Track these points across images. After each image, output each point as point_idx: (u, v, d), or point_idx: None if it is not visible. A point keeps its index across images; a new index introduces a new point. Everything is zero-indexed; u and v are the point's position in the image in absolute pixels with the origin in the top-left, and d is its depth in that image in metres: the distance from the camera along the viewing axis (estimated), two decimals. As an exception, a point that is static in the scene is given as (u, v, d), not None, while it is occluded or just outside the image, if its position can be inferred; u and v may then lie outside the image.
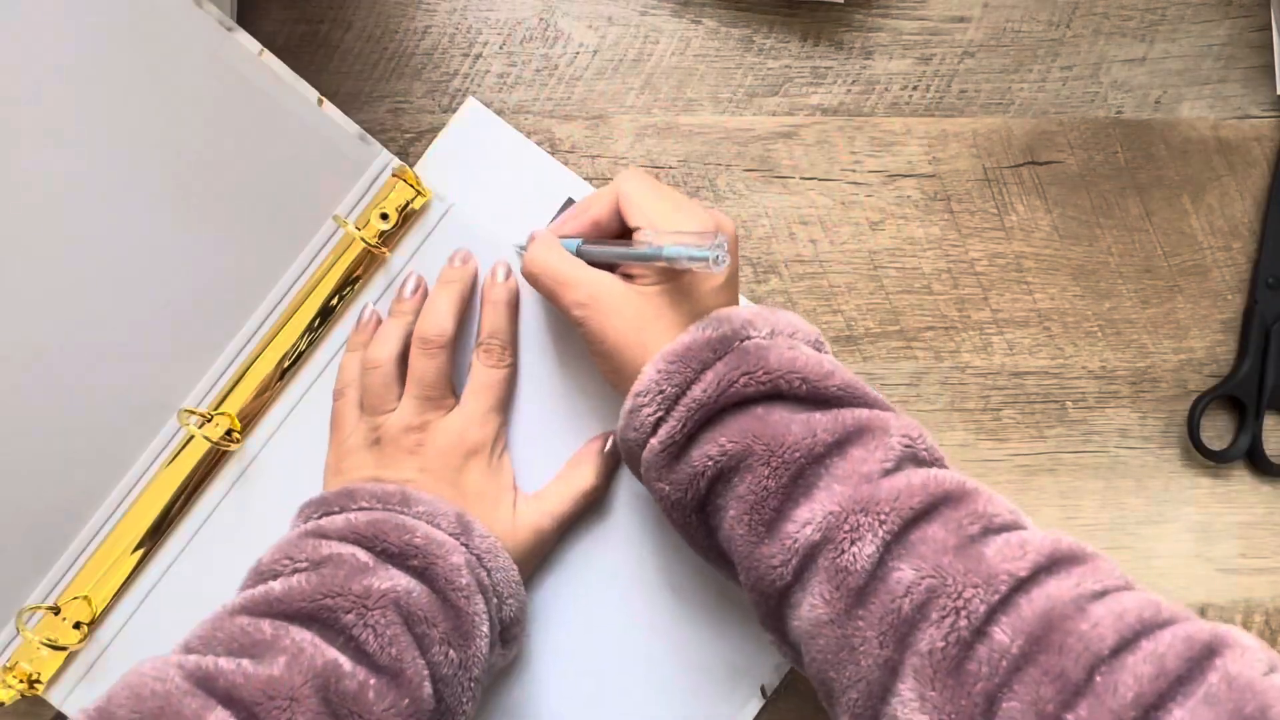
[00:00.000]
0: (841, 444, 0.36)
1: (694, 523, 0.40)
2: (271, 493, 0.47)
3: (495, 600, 0.41)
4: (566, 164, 0.49)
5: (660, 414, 0.38)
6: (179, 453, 0.46)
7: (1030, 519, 0.35)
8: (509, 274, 0.47)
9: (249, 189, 0.46)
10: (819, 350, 0.40)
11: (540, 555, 0.46)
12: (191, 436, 0.46)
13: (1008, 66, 0.50)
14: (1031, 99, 0.50)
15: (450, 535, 0.40)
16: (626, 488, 0.47)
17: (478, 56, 0.50)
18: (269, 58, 0.45)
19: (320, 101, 0.46)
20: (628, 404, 0.39)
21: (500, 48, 0.50)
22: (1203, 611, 0.48)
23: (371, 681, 0.35)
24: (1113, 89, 0.50)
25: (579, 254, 0.43)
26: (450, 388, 0.45)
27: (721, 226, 0.41)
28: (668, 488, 0.39)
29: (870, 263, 0.49)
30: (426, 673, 0.37)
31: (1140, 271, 0.50)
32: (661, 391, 0.38)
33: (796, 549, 0.35)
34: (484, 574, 0.41)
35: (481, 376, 0.46)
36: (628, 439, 0.40)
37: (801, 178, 0.50)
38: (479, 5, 0.50)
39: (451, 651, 0.38)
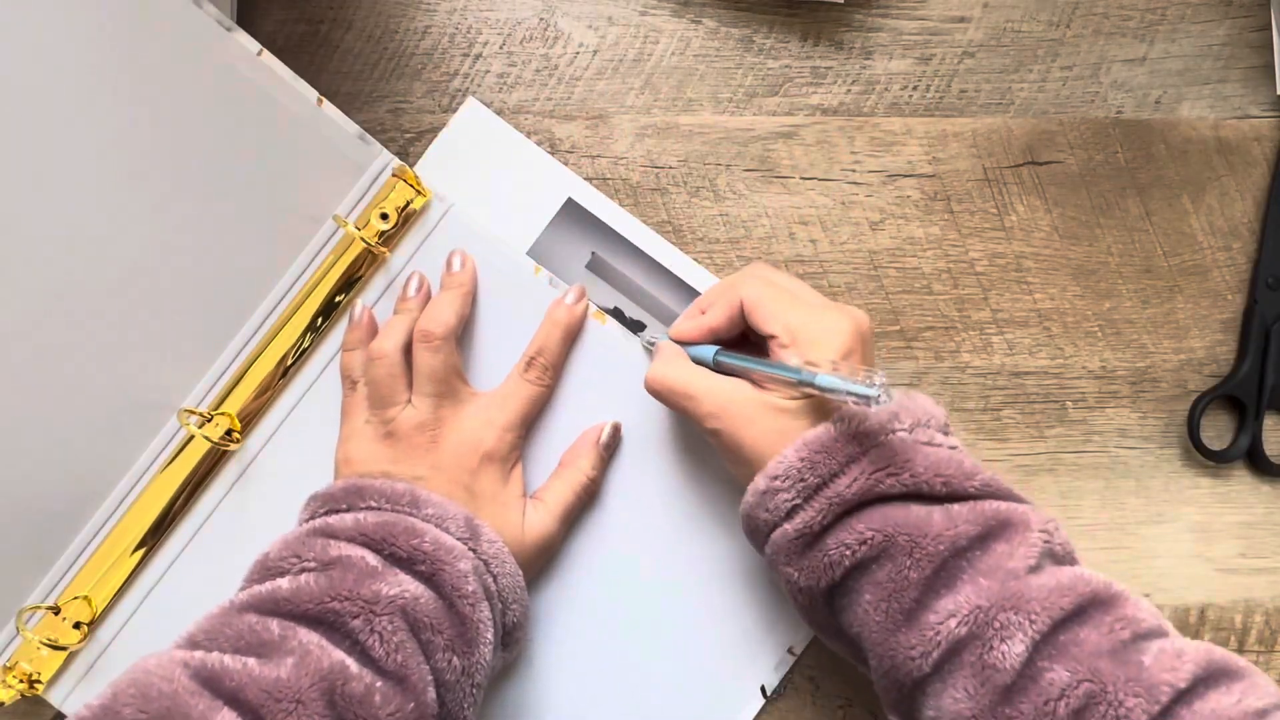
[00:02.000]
0: (984, 537, 0.36)
1: (819, 605, 0.39)
2: (271, 493, 0.47)
3: (500, 606, 0.41)
4: (566, 164, 0.49)
5: (797, 501, 0.38)
6: (179, 453, 0.47)
7: (1169, 623, 0.36)
8: (580, 298, 0.47)
9: (249, 189, 0.46)
10: (946, 434, 0.40)
11: (546, 560, 0.46)
12: (192, 436, 0.46)
13: (1008, 66, 0.50)
14: (1031, 99, 0.50)
15: (459, 540, 0.40)
16: (626, 490, 0.47)
17: (478, 56, 0.50)
18: (268, 58, 0.45)
19: (319, 101, 0.46)
20: (760, 484, 0.39)
21: (500, 48, 0.50)
22: (1203, 611, 0.48)
23: (378, 685, 0.35)
24: (1113, 89, 0.50)
25: (716, 364, 0.42)
26: (461, 381, 0.45)
27: (859, 325, 0.40)
28: (796, 574, 0.39)
29: (870, 263, 0.49)
30: (430, 679, 0.37)
31: (1140, 271, 0.49)
32: (802, 480, 0.38)
33: (939, 641, 0.35)
34: (490, 580, 0.40)
35: (514, 386, 0.46)
36: (756, 518, 0.40)
37: (801, 178, 0.50)
38: (479, 5, 0.50)
39: (455, 658, 0.38)
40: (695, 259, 0.49)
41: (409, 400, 0.44)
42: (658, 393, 0.43)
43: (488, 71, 0.50)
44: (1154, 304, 0.49)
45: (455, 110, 0.50)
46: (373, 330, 0.47)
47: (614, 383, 0.47)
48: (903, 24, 0.50)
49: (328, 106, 0.46)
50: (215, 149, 0.45)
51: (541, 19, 0.50)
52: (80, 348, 0.44)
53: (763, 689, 0.46)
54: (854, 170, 0.50)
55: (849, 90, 0.50)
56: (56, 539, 0.46)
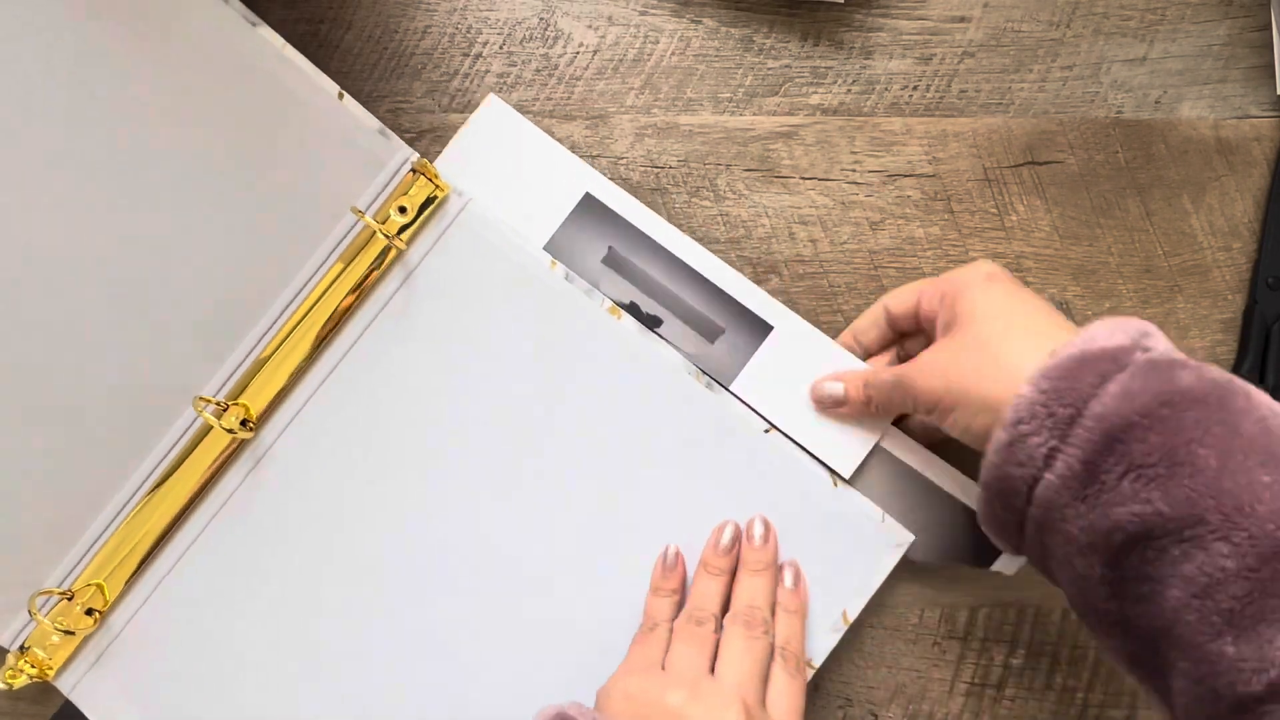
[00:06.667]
0: None
1: (1094, 577, 0.33)
2: (284, 484, 0.47)
3: None
4: (566, 164, 0.49)
5: (1054, 443, 0.32)
6: (196, 443, 0.47)
7: None
8: (797, 581, 0.45)
9: (269, 181, 0.46)
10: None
11: None
12: (210, 428, 0.46)
13: (1008, 66, 0.50)
14: (1031, 99, 0.50)
15: None
16: (637, 498, 0.47)
17: (478, 56, 0.50)
18: (291, 52, 0.45)
19: (340, 95, 0.46)
20: (1002, 436, 0.34)
21: (500, 48, 0.50)
22: (1203, 611, 0.48)
23: None
24: (1113, 89, 0.50)
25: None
26: None
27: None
28: (1077, 531, 0.32)
29: (870, 263, 0.49)
30: None
31: (1140, 271, 0.49)
32: (1052, 415, 0.32)
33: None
34: None
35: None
36: (1009, 479, 0.34)
37: (801, 178, 0.50)
38: (479, 5, 0.50)
39: None
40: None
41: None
42: (877, 401, 0.42)
43: (488, 71, 0.50)
44: (1154, 304, 0.49)
45: (455, 110, 0.50)
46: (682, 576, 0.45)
47: (628, 380, 0.47)
48: (903, 24, 0.50)
49: (349, 101, 0.46)
50: (236, 141, 0.46)
51: (541, 19, 0.50)
52: (98, 335, 0.45)
53: None
54: (854, 170, 0.50)
55: (849, 90, 0.50)
56: (72, 525, 0.46)
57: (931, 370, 0.39)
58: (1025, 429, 0.33)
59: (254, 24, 0.45)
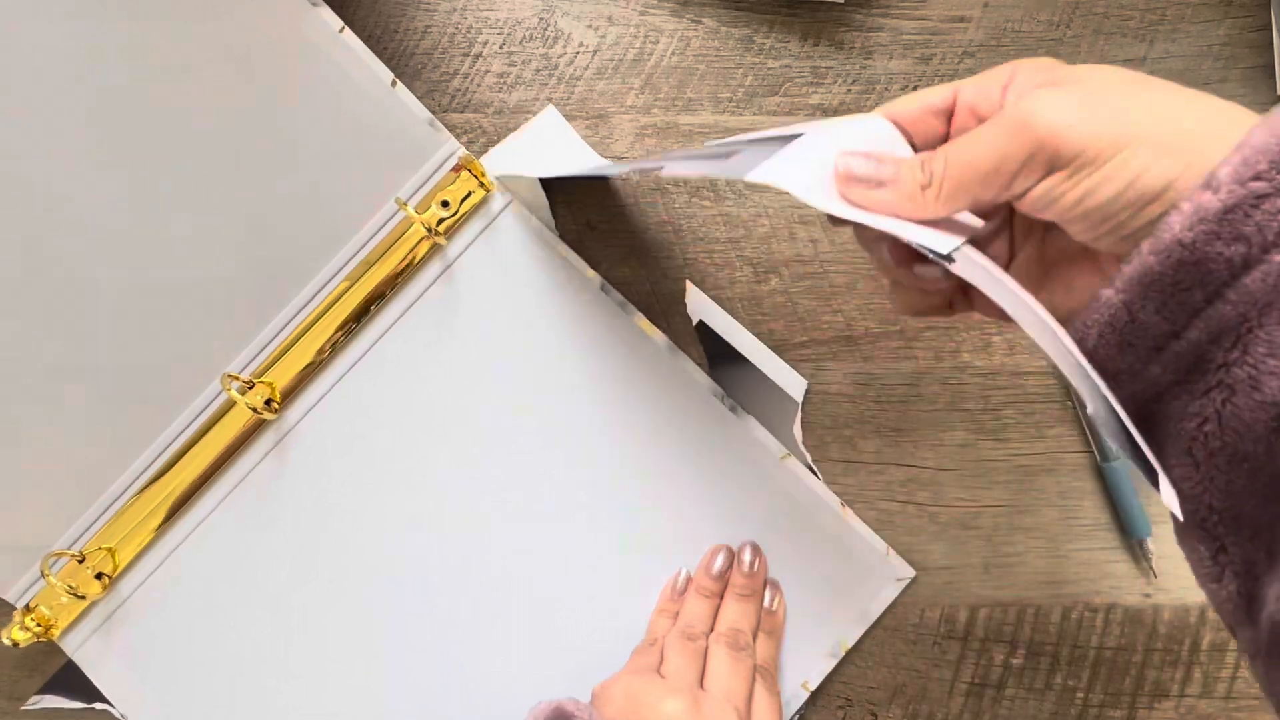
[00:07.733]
0: None
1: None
2: (304, 466, 0.47)
3: None
4: (566, 164, 0.49)
5: None
6: (219, 418, 0.47)
7: None
8: (775, 601, 0.47)
9: (315, 163, 0.47)
10: None
11: None
12: (233, 403, 0.46)
13: (1008, 66, 0.50)
14: (1031, 99, 0.50)
15: None
16: (649, 514, 0.47)
17: (478, 56, 0.50)
18: (349, 35, 0.46)
19: (394, 83, 0.46)
20: (1214, 202, 0.23)
21: (500, 48, 0.50)
22: (1203, 611, 0.48)
23: None
24: (1113, 89, 0.50)
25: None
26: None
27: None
28: None
29: (870, 263, 0.49)
30: None
31: (1140, 271, 0.49)
32: None
33: None
34: None
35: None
36: (1209, 257, 0.24)
37: (801, 178, 0.50)
38: (479, 5, 0.50)
39: None
40: (694, 258, 0.49)
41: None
42: (952, 175, 0.28)
43: (488, 71, 0.50)
44: (1154, 304, 0.49)
45: (455, 110, 0.50)
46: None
47: (653, 396, 0.47)
48: (903, 24, 0.50)
49: (400, 89, 0.47)
50: (286, 122, 0.46)
51: (541, 19, 0.50)
52: (130, 305, 0.46)
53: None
54: (854, 170, 0.50)
55: (849, 90, 0.50)
56: (89, 488, 0.47)
57: (1084, 101, 0.26)
58: (1259, 187, 0.23)
59: (314, 4, 0.45)
